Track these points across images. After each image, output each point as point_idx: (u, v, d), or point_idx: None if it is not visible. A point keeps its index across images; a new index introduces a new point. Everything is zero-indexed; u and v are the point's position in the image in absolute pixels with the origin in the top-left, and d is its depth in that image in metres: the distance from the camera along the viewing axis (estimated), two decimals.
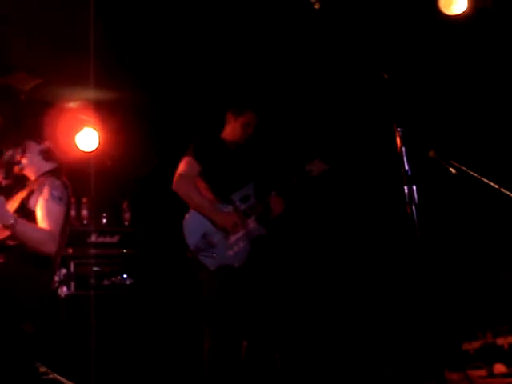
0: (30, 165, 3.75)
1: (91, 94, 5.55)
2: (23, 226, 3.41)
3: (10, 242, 3.47)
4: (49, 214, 3.47)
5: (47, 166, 3.78)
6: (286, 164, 5.02)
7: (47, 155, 3.79)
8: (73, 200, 5.55)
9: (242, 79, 5.59)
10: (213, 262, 4.12)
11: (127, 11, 4.88)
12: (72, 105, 5.87)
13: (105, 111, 5.88)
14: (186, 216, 4.24)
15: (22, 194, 3.63)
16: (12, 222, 3.34)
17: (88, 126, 5.83)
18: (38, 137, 3.79)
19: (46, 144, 3.79)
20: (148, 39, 5.24)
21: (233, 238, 4.23)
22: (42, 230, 3.44)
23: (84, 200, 5.61)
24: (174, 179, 4.29)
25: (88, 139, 5.84)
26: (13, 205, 3.60)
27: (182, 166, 4.33)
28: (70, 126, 5.77)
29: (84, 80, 5.18)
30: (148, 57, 5.46)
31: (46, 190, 3.54)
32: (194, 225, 4.20)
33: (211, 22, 5.10)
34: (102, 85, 5.42)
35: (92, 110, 5.83)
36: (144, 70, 5.59)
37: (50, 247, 3.42)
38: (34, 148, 3.77)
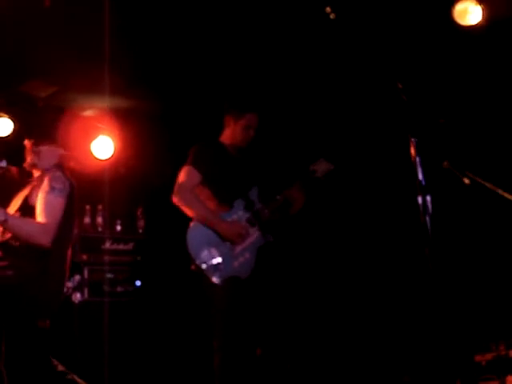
0: (39, 164, 3.77)
1: (107, 102, 5.59)
2: (14, 220, 3.44)
3: (14, 243, 3.49)
4: (46, 206, 3.45)
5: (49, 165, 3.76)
6: (290, 166, 4.93)
7: (58, 159, 3.80)
8: (88, 207, 5.62)
9: (246, 79, 5.56)
10: (218, 274, 3.99)
11: (143, 20, 4.91)
12: (88, 112, 5.92)
13: (120, 119, 5.92)
14: (189, 228, 4.12)
15: (25, 191, 3.65)
16: (2, 218, 3.36)
17: (103, 133, 5.87)
18: (53, 141, 3.81)
19: (60, 150, 3.81)
20: (164, 47, 5.27)
21: (238, 249, 4.11)
22: (34, 223, 3.44)
23: (99, 207, 5.65)
24: (174, 190, 4.15)
25: (103, 147, 5.89)
26: (16, 203, 3.63)
27: (182, 176, 4.19)
28: (85, 133, 5.82)
29: (100, 88, 5.22)
30: (164, 65, 5.49)
31: (45, 183, 3.53)
32: (197, 236, 4.08)
33: (222, 28, 5.10)
34: (117, 93, 5.46)
35: (107, 118, 5.87)
36: (159, 79, 5.62)
37: (43, 239, 3.41)
38: (48, 149, 3.78)
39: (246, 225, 4.18)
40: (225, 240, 4.09)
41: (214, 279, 4.00)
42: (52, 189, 3.50)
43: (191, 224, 4.15)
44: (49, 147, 3.77)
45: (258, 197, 4.32)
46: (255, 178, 4.40)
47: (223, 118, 4.43)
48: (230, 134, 4.39)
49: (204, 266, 3.99)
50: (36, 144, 3.76)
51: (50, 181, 3.54)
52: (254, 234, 4.21)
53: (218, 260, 4.03)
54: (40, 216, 3.44)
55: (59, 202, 3.51)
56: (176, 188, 4.17)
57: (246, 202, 4.25)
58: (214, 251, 4.05)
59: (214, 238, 4.08)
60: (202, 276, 4.03)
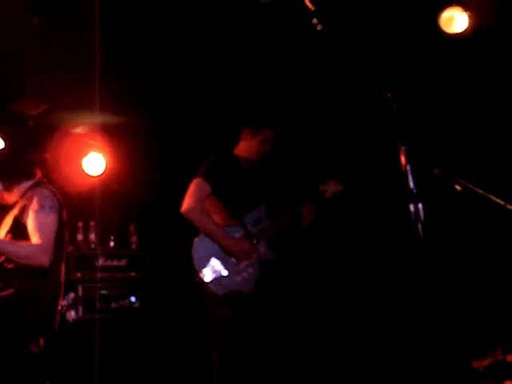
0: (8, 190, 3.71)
1: (98, 118, 5.59)
2: (5, 245, 3.42)
3: (8, 265, 3.47)
4: (39, 225, 3.44)
5: (29, 182, 3.71)
6: (300, 184, 4.95)
7: (27, 173, 3.74)
8: (80, 224, 5.60)
9: (246, 97, 5.60)
10: (221, 288, 4.03)
11: (133, 36, 4.93)
12: (79, 129, 5.92)
13: (111, 136, 5.92)
14: (195, 240, 4.14)
15: (13, 213, 3.60)
16: None
17: (95, 150, 5.86)
18: (28, 173, 3.73)
19: (38, 173, 3.73)
20: (154, 64, 5.29)
21: (242, 264, 4.13)
22: (27, 245, 3.42)
23: (91, 224, 5.62)
24: (184, 202, 4.15)
25: (95, 163, 5.88)
26: (6, 224, 3.60)
27: (192, 188, 4.18)
28: (76, 150, 5.81)
29: (90, 105, 5.22)
30: (154, 81, 5.50)
31: (34, 202, 3.49)
32: (202, 249, 4.11)
33: (217, 46, 5.14)
34: (108, 109, 5.46)
35: (98, 135, 5.87)
36: (150, 95, 5.64)
37: (41, 260, 3.39)
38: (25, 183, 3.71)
39: (251, 242, 4.20)
40: (230, 255, 4.11)
41: (217, 292, 4.02)
42: (42, 207, 3.48)
43: (197, 237, 4.16)
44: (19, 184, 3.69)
45: (266, 213, 4.34)
46: (265, 193, 4.42)
47: (240, 129, 4.45)
48: (245, 147, 4.41)
49: (207, 279, 4.03)
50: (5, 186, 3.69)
51: (39, 199, 3.51)
52: (259, 250, 4.23)
53: (222, 273, 4.06)
54: (34, 236, 3.42)
55: (51, 218, 3.49)
56: (185, 199, 4.17)
57: (253, 218, 4.27)
58: (218, 265, 4.08)
59: (219, 251, 4.11)
60: (205, 289, 4.06)
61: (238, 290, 4.07)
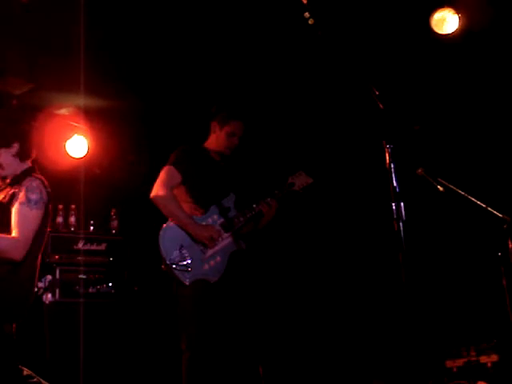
0: (4, 169, 3.66)
1: (82, 100, 5.55)
2: None
3: None
4: (22, 219, 3.40)
5: (23, 166, 3.66)
6: (270, 176, 4.95)
7: (22, 156, 3.69)
8: (60, 206, 5.55)
9: (229, 87, 5.58)
10: (187, 275, 4.04)
11: (118, 18, 4.88)
12: (62, 111, 5.86)
13: (95, 118, 5.87)
14: (163, 227, 4.16)
15: (0, 196, 3.56)
16: None
17: (78, 132, 5.82)
18: (6, 141, 3.68)
19: (16, 146, 3.68)
20: (139, 46, 5.24)
21: (209, 252, 4.14)
22: (7, 238, 3.38)
23: (72, 206, 5.58)
24: (153, 189, 4.20)
25: (78, 146, 5.84)
26: None
27: (162, 175, 4.23)
28: (59, 132, 5.76)
29: (74, 87, 5.18)
30: (138, 63, 5.46)
31: (22, 193, 3.46)
32: (170, 237, 4.12)
33: (201, 30, 5.10)
34: (92, 92, 5.42)
35: (82, 117, 5.82)
36: (135, 77, 5.59)
37: (15, 254, 3.36)
38: (5, 153, 3.66)
39: (219, 229, 4.21)
40: (197, 242, 4.12)
41: (183, 280, 4.03)
42: (28, 200, 3.45)
43: (165, 224, 4.18)
44: (5, 151, 3.64)
45: (235, 204, 4.35)
46: (234, 185, 4.42)
47: (209, 123, 4.45)
48: (214, 140, 4.42)
49: (174, 266, 4.03)
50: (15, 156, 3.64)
51: (27, 192, 3.48)
52: (227, 240, 4.24)
53: (188, 261, 4.07)
54: (14, 229, 3.40)
55: (34, 214, 3.46)
56: (155, 186, 4.21)
57: (221, 208, 4.28)
58: (185, 252, 4.09)
59: (187, 239, 4.12)
60: (172, 276, 4.06)
61: (204, 278, 4.07)
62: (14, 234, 3.39)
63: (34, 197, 3.47)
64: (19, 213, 3.42)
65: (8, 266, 3.41)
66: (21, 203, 3.44)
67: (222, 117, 4.39)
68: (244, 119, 4.44)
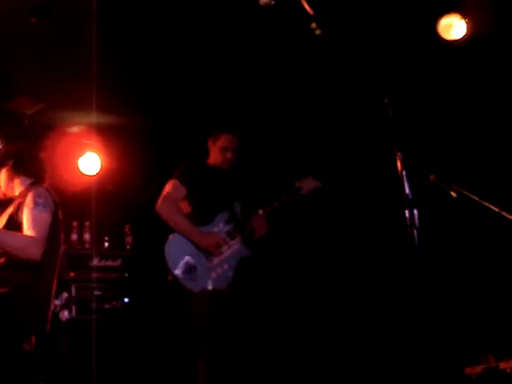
0: (10, 184, 3.73)
1: (94, 118, 5.59)
2: (3, 234, 3.43)
3: (0, 260, 3.46)
4: (33, 221, 3.44)
5: (28, 180, 3.73)
6: (278, 182, 4.97)
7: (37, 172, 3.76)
8: (75, 224, 5.58)
9: (240, 102, 5.60)
10: (195, 284, 4.04)
11: (129, 36, 4.92)
12: (74, 129, 5.91)
13: (107, 135, 5.91)
14: (169, 238, 4.18)
15: (9, 210, 3.62)
16: None
17: (90, 150, 5.86)
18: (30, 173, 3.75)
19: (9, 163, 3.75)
20: (151, 63, 5.28)
21: (216, 260, 4.15)
22: (22, 236, 3.42)
23: (86, 223, 5.61)
24: (158, 201, 4.25)
25: (90, 163, 5.88)
26: (1, 221, 3.60)
27: (167, 189, 4.30)
28: (72, 150, 5.80)
29: (86, 104, 5.21)
30: (150, 81, 5.50)
31: (29, 199, 3.51)
32: (175, 247, 4.14)
33: (211, 47, 5.13)
34: (104, 109, 5.45)
35: (94, 135, 5.86)
36: (146, 95, 5.63)
37: (33, 252, 3.39)
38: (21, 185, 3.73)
39: (224, 236, 4.22)
40: (202, 251, 4.13)
41: (191, 288, 4.04)
42: (36, 204, 3.49)
43: (170, 235, 4.20)
44: (23, 180, 3.72)
45: (241, 211, 4.39)
46: (238, 194, 4.46)
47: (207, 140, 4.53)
48: (212, 157, 4.50)
49: (181, 277, 4.03)
50: (12, 174, 3.71)
51: (34, 196, 3.53)
52: (234, 246, 4.25)
53: (195, 270, 4.07)
54: (29, 231, 3.43)
55: (44, 216, 3.50)
56: (159, 198, 4.27)
57: (227, 216, 4.31)
58: (191, 261, 4.09)
59: (192, 248, 4.14)
60: (180, 286, 4.07)
61: (214, 287, 4.07)
62: (28, 234, 3.42)
63: (40, 200, 3.52)
64: (30, 215, 3.47)
65: (28, 277, 3.43)
66: (29, 208, 3.49)
67: (214, 132, 4.46)
68: (236, 132, 4.47)
